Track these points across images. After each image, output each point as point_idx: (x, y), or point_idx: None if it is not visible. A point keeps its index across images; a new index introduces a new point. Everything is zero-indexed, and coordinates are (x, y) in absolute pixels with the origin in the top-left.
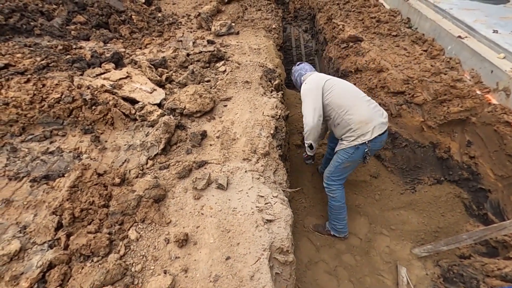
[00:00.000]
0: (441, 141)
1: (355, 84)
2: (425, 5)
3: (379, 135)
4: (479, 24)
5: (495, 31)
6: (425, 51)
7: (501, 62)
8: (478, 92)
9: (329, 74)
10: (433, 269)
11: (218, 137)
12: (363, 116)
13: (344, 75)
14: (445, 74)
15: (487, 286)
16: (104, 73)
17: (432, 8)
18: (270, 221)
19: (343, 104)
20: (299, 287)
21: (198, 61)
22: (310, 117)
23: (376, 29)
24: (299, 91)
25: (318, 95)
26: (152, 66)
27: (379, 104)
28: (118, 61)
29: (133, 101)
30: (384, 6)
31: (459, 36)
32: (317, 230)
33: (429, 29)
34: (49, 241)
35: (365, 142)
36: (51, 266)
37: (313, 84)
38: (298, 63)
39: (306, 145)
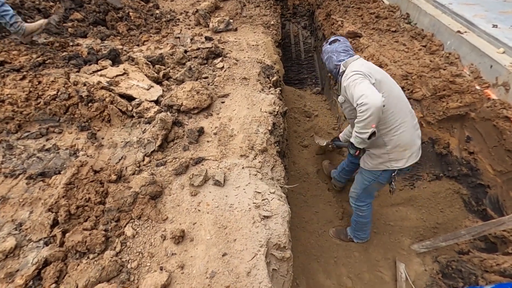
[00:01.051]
0: (440, 136)
1: None
2: (424, 0)
3: (409, 165)
4: (479, 18)
5: (495, 26)
6: (424, 46)
7: (501, 57)
8: (478, 87)
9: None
10: (432, 265)
11: (215, 134)
12: (405, 140)
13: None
14: (444, 69)
15: (486, 282)
16: (100, 70)
17: (431, 3)
18: (267, 217)
19: (389, 120)
20: (297, 284)
21: (195, 57)
22: (373, 95)
23: (375, 24)
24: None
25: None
26: (149, 63)
27: None
28: (115, 58)
29: (130, 98)
30: (383, 2)
31: (459, 31)
32: (339, 237)
33: (428, 24)
34: (45, 238)
35: (396, 170)
36: (46, 263)
37: (366, 73)
38: (329, 40)
39: (364, 136)
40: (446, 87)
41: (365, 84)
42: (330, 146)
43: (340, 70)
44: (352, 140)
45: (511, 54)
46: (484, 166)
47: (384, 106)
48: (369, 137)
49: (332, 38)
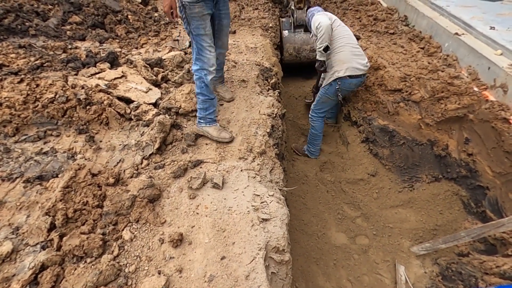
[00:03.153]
0: (439, 138)
1: None
2: (422, 2)
3: (349, 76)
4: (476, 21)
5: (492, 28)
6: (422, 48)
7: (498, 59)
8: (476, 89)
9: None
10: (432, 267)
11: None
12: (343, 56)
13: None
14: (442, 71)
15: (486, 284)
16: (99, 72)
17: (429, 6)
18: (266, 220)
19: (335, 43)
20: (297, 287)
21: None
22: (323, 20)
23: (373, 27)
24: (308, 27)
25: (330, 19)
26: (148, 66)
27: (376, 102)
28: (113, 61)
29: (128, 101)
30: (381, 4)
31: (456, 33)
32: (296, 149)
33: (426, 26)
34: (42, 242)
35: (336, 79)
36: (43, 267)
37: (327, 14)
38: (313, 8)
39: (320, 49)
40: (444, 89)
41: (320, 17)
42: (315, 92)
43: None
44: (317, 57)
45: (509, 56)
46: (483, 167)
47: (333, 33)
48: (325, 50)
49: (312, 6)
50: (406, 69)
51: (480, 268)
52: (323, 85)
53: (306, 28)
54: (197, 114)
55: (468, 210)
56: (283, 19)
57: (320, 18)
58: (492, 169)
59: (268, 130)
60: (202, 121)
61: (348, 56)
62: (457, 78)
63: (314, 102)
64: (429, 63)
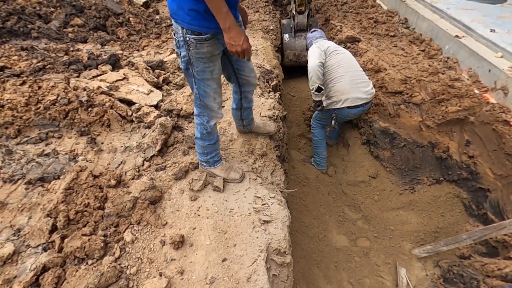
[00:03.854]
0: (439, 140)
1: None
2: (422, 5)
3: (350, 107)
4: (476, 23)
5: (493, 30)
6: (423, 51)
7: (499, 61)
8: (476, 91)
9: None
10: (433, 270)
11: None
12: (342, 87)
13: None
14: (443, 73)
15: (487, 287)
16: (100, 74)
17: (429, 8)
18: (267, 222)
19: (333, 73)
20: None
21: None
22: (312, 60)
23: (374, 29)
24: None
25: (322, 53)
26: (149, 68)
27: (377, 104)
28: (115, 63)
29: (129, 103)
30: (381, 7)
31: (457, 36)
32: (304, 161)
33: (426, 29)
34: (43, 244)
35: (335, 109)
36: (45, 269)
37: (320, 47)
38: (312, 30)
39: (313, 91)
40: (445, 91)
41: (311, 54)
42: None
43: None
44: (312, 97)
45: (509, 58)
46: (484, 170)
47: (329, 62)
48: (318, 90)
49: (312, 29)
50: (406, 71)
51: (482, 271)
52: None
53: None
54: (197, 156)
55: (470, 213)
56: (284, 22)
57: (310, 56)
58: (493, 171)
59: None
60: (204, 164)
61: (347, 86)
62: (457, 80)
63: (312, 119)
64: (429, 65)
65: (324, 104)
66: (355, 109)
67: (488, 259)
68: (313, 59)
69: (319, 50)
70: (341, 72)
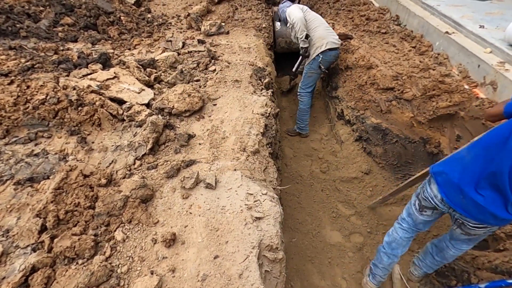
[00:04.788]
0: (431, 136)
1: (345, 81)
2: (413, 2)
3: (329, 49)
4: (466, 19)
5: (482, 27)
6: (414, 47)
7: (488, 57)
8: (466, 86)
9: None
10: None
11: (207, 136)
12: (321, 33)
13: (334, 73)
14: (433, 69)
15: (478, 279)
16: (90, 73)
17: (420, 5)
18: (259, 218)
19: (311, 24)
20: (292, 286)
21: (187, 60)
22: (296, 14)
23: (366, 27)
24: (285, 21)
25: (301, 10)
26: (141, 67)
27: (369, 100)
28: (105, 62)
29: (120, 102)
30: (373, 4)
31: (447, 32)
32: (288, 132)
33: (417, 25)
34: (33, 244)
35: (319, 54)
36: (34, 269)
37: (297, 6)
38: (281, 4)
39: (302, 38)
40: (436, 87)
41: (292, 10)
42: (292, 78)
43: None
44: (300, 45)
45: (498, 54)
46: None
47: (306, 18)
48: (306, 37)
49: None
50: (398, 68)
51: (473, 264)
52: (306, 63)
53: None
54: None
55: None
56: (276, 9)
57: (292, 12)
58: None
59: (261, 130)
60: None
61: (324, 33)
62: (448, 76)
63: (300, 83)
64: (420, 61)
65: (311, 52)
66: (334, 51)
67: (478, 252)
68: (297, 13)
69: (298, 7)
70: (316, 23)
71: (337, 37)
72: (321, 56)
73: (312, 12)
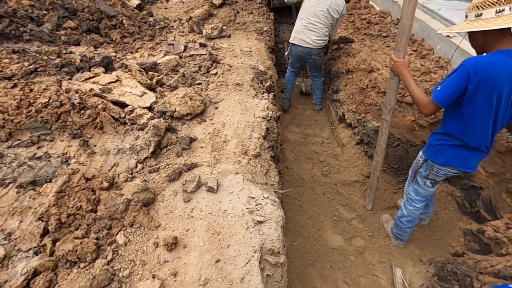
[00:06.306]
0: None
1: (346, 85)
2: None
3: (297, 44)
4: None
5: None
6: (415, 51)
7: None
8: None
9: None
10: (427, 268)
11: (209, 139)
12: (296, 28)
13: (335, 76)
14: (435, 73)
15: (480, 283)
16: (93, 77)
17: (421, 9)
18: (260, 222)
19: (301, 11)
20: None
21: (189, 64)
22: None
23: (367, 30)
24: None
25: None
26: (143, 70)
27: (370, 104)
28: (108, 65)
29: (122, 105)
30: (374, 8)
31: (448, 36)
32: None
33: (418, 29)
34: (35, 247)
35: (290, 42)
36: (36, 273)
37: None
38: None
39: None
40: None
41: None
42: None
43: None
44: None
45: None
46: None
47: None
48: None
49: None
50: None
51: (475, 268)
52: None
53: None
54: None
55: (463, 210)
56: None
57: None
58: (485, 169)
59: (263, 133)
60: None
61: (299, 28)
62: None
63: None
64: (421, 65)
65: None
66: (300, 47)
67: (481, 256)
68: None
69: None
70: (301, 15)
71: (314, 38)
72: (291, 45)
73: (312, 2)
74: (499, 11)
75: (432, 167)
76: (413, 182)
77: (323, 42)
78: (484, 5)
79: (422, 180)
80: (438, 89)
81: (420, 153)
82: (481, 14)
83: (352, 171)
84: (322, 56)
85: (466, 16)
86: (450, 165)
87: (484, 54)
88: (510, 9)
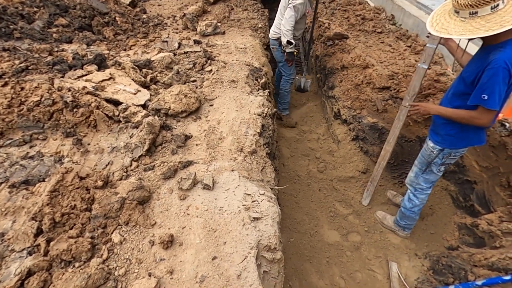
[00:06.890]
0: (427, 135)
1: (341, 81)
2: (408, 2)
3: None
4: None
5: None
6: (409, 46)
7: None
8: None
9: (316, 71)
10: (423, 261)
11: (204, 137)
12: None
13: (330, 72)
14: (429, 68)
15: (475, 276)
16: (86, 75)
17: (415, 5)
18: (257, 219)
19: (298, 26)
20: (290, 285)
21: (183, 61)
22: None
23: (361, 26)
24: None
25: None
26: (136, 67)
27: (366, 100)
28: (101, 63)
29: (116, 103)
30: (368, 4)
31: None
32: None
33: (412, 25)
34: (28, 247)
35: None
36: (30, 273)
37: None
38: None
39: (284, 43)
40: (431, 86)
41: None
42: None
43: None
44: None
45: None
46: (470, 162)
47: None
48: (289, 43)
49: None
50: (393, 67)
51: (469, 261)
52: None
53: None
54: None
55: (457, 204)
56: None
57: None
58: (479, 163)
59: (258, 130)
60: None
61: (274, 22)
62: (443, 75)
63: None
64: (416, 61)
65: None
66: (270, 39)
67: (475, 249)
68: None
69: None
70: (300, 27)
71: (276, 30)
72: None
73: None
74: (494, 7)
75: (449, 153)
76: (424, 173)
77: (276, 34)
78: (479, 4)
79: (437, 168)
80: (485, 98)
81: (432, 144)
82: (476, 12)
83: (348, 167)
84: (277, 49)
85: (457, 12)
86: (469, 146)
87: (501, 48)
88: (503, 1)
